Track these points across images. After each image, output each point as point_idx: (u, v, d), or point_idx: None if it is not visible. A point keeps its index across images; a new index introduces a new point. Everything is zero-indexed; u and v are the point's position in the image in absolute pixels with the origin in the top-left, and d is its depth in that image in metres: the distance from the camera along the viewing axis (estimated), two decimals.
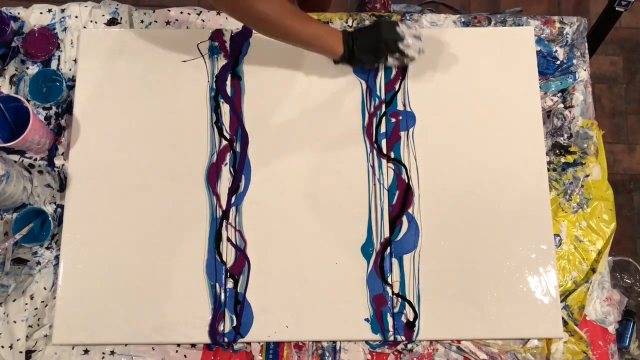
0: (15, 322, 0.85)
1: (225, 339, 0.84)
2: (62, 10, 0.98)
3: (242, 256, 0.87)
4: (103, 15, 0.98)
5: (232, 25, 0.99)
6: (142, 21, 0.98)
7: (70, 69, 0.95)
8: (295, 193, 0.90)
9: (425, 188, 0.90)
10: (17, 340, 0.84)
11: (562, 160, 0.93)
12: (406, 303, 0.85)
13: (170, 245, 0.87)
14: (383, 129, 0.92)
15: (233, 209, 0.89)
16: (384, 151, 0.91)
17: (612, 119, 1.69)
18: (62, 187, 0.90)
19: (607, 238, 0.90)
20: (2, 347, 0.84)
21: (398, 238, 0.88)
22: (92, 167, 0.90)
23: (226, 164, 0.91)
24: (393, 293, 0.86)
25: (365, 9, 1.62)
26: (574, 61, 0.97)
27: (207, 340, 0.84)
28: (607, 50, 1.73)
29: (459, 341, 0.86)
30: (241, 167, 0.90)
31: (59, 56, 0.96)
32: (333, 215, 0.89)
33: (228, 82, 0.94)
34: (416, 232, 0.88)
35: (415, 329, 0.84)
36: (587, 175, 0.93)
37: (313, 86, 0.94)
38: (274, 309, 0.85)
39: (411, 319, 0.85)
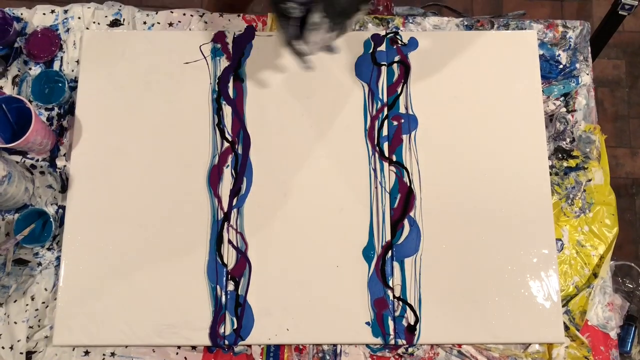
0: (16, 323, 0.85)
1: (226, 342, 0.84)
2: (65, 11, 0.98)
3: (243, 258, 0.87)
4: (106, 17, 0.98)
5: (234, 27, 0.99)
6: (144, 22, 0.98)
7: (72, 70, 0.95)
8: (297, 195, 0.89)
9: (427, 191, 0.90)
10: (18, 341, 0.84)
11: (565, 164, 0.93)
12: (407, 307, 0.85)
13: (171, 247, 0.87)
14: (385, 132, 0.92)
15: (234, 211, 0.89)
16: (386, 154, 0.91)
17: (615, 122, 1.69)
18: (64, 188, 0.90)
19: (609, 243, 0.90)
20: (3, 347, 0.84)
21: (399, 241, 0.88)
22: (93, 168, 0.90)
23: (228, 166, 0.91)
24: (394, 296, 0.86)
25: (368, 12, 1.61)
26: (577, 65, 0.97)
27: (208, 342, 0.84)
28: (609, 54, 1.73)
29: (460, 345, 0.85)
30: (243, 169, 0.90)
31: (62, 57, 0.96)
32: (334, 218, 0.89)
33: (230, 84, 0.94)
34: (418, 235, 0.88)
35: (416, 332, 0.84)
36: (590, 180, 0.92)
37: (315, 88, 0.94)
38: (275, 311, 0.85)
39: (412, 323, 0.85)
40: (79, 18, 0.98)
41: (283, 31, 0.75)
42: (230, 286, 0.86)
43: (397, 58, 0.95)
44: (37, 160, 0.91)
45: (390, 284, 0.86)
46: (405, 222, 0.88)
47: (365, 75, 0.95)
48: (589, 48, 0.99)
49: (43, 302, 0.86)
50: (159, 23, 0.99)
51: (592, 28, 1.02)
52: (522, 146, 0.91)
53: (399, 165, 0.91)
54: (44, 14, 0.98)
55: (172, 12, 0.99)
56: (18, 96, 0.84)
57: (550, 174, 0.92)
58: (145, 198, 0.89)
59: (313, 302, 0.85)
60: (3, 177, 0.80)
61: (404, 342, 0.84)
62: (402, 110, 0.93)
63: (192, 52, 0.95)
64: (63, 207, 0.89)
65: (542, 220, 0.88)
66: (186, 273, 0.86)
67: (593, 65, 0.98)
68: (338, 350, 0.85)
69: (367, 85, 0.94)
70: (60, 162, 0.91)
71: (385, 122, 0.92)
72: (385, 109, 0.93)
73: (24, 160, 0.91)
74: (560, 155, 0.94)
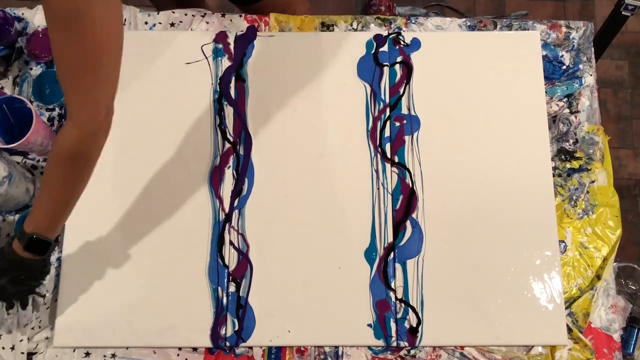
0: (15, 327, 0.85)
1: (227, 343, 0.84)
2: None
3: (244, 260, 0.87)
4: None
5: (236, 27, 0.98)
6: (146, 22, 0.98)
7: None
8: (299, 196, 0.89)
9: (429, 193, 0.89)
10: (20, 341, 0.84)
11: (568, 166, 0.93)
12: (409, 308, 0.85)
13: (173, 248, 0.87)
14: (387, 133, 0.92)
15: (236, 212, 0.88)
16: (388, 155, 0.91)
17: (618, 123, 1.68)
18: None
19: (612, 245, 0.90)
20: (3, 348, 0.84)
21: (402, 243, 0.87)
22: (94, 168, 0.90)
23: (229, 166, 0.90)
24: (396, 298, 0.85)
25: (370, 12, 1.61)
26: (580, 66, 0.97)
27: (209, 344, 0.84)
28: (612, 54, 1.72)
29: (462, 347, 0.85)
30: (244, 170, 0.90)
31: None
32: (336, 219, 0.88)
33: (232, 85, 0.94)
34: (420, 237, 0.87)
35: (419, 334, 0.84)
36: (593, 181, 0.92)
37: (317, 89, 0.94)
38: (276, 313, 0.85)
39: (414, 325, 0.84)
40: None
41: None
42: (232, 287, 0.86)
43: (399, 59, 0.95)
44: (38, 161, 0.91)
45: (393, 285, 0.86)
46: (408, 223, 0.88)
47: (368, 75, 0.94)
48: (593, 49, 0.98)
49: (44, 303, 0.86)
50: (160, 23, 0.98)
51: (595, 29, 1.01)
52: (524, 147, 0.91)
53: (401, 167, 0.90)
54: None
55: (173, 13, 0.99)
56: (19, 96, 0.84)
57: (554, 176, 0.91)
58: (146, 199, 0.89)
59: (315, 304, 0.85)
60: (4, 177, 0.80)
61: (406, 344, 0.84)
62: (404, 111, 0.93)
63: (194, 53, 0.95)
64: None
65: (545, 221, 0.88)
66: (187, 274, 0.86)
67: (596, 66, 0.98)
68: (340, 352, 0.85)
69: (370, 86, 0.94)
70: None
71: (388, 123, 0.92)
72: (388, 110, 0.93)
73: (25, 161, 0.91)
74: (563, 157, 0.93)
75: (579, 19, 1.01)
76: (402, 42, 0.96)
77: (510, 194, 0.89)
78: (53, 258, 0.87)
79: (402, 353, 0.85)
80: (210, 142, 0.91)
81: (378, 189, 0.89)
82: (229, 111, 0.93)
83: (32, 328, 0.85)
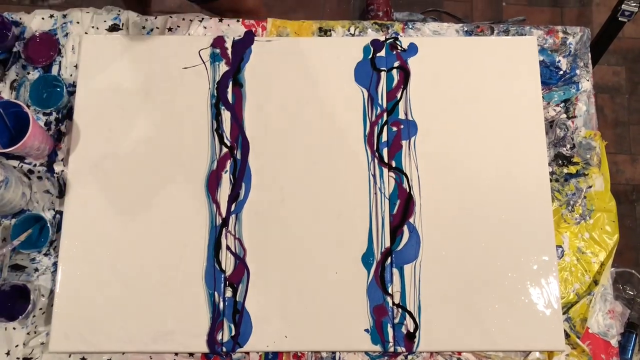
0: (14, 328, 0.84)
1: (224, 349, 0.83)
2: (64, 16, 0.98)
3: (241, 265, 0.86)
4: (105, 21, 0.98)
5: (233, 32, 0.98)
6: (143, 27, 0.98)
7: (71, 75, 0.95)
8: (296, 201, 0.89)
9: (427, 197, 0.89)
10: (16, 346, 0.83)
11: (565, 171, 0.93)
12: (407, 314, 0.85)
13: (169, 252, 0.87)
14: (384, 138, 0.92)
15: (233, 216, 0.88)
16: (385, 160, 0.91)
17: (615, 129, 1.68)
18: (61, 193, 0.90)
19: (609, 250, 0.90)
20: None
21: (399, 248, 0.87)
22: (91, 173, 0.90)
23: (226, 171, 0.90)
24: (393, 303, 0.85)
25: (368, 17, 1.62)
26: (577, 71, 0.97)
27: (205, 349, 0.83)
28: (609, 60, 1.73)
29: (459, 353, 0.85)
30: (241, 175, 0.90)
31: (60, 62, 0.95)
32: (333, 224, 0.88)
33: (229, 89, 0.94)
34: (417, 242, 0.87)
35: (416, 340, 0.84)
36: (590, 186, 0.92)
37: (314, 94, 0.94)
38: (273, 318, 0.84)
39: (411, 330, 0.84)
40: (78, 23, 0.97)
41: None
42: (228, 292, 0.85)
43: (396, 64, 0.95)
44: (35, 165, 0.91)
45: (390, 290, 0.85)
46: (405, 228, 0.88)
47: (365, 80, 0.94)
48: (589, 54, 0.99)
49: (40, 308, 0.85)
50: (157, 28, 0.98)
51: (592, 34, 1.02)
52: (522, 152, 0.91)
53: (399, 171, 0.90)
54: (43, 18, 0.98)
55: (171, 17, 0.99)
56: (16, 101, 0.84)
57: (551, 181, 0.91)
58: (143, 203, 0.88)
59: (312, 309, 0.85)
60: (0, 182, 0.80)
61: (403, 349, 0.84)
62: (401, 115, 0.93)
63: (191, 57, 0.95)
64: (60, 213, 0.88)
65: (542, 226, 0.88)
66: (184, 279, 0.85)
67: (593, 71, 0.98)
68: (337, 358, 0.85)
69: (367, 91, 0.94)
70: (57, 167, 0.91)
71: (385, 127, 0.92)
72: (385, 115, 0.93)
73: (22, 165, 0.91)
74: (560, 162, 0.93)
75: (576, 24, 1.01)
76: (399, 47, 0.96)
77: (508, 198, 0.89)
78: (49, 262, 0.87)
79: (399, 358, 0.85)
80: (207, 146, 0.91)
81: (375, 193, 0.89)
82: (226, 116, 0.93)
83: (28, 333, 0.84)
